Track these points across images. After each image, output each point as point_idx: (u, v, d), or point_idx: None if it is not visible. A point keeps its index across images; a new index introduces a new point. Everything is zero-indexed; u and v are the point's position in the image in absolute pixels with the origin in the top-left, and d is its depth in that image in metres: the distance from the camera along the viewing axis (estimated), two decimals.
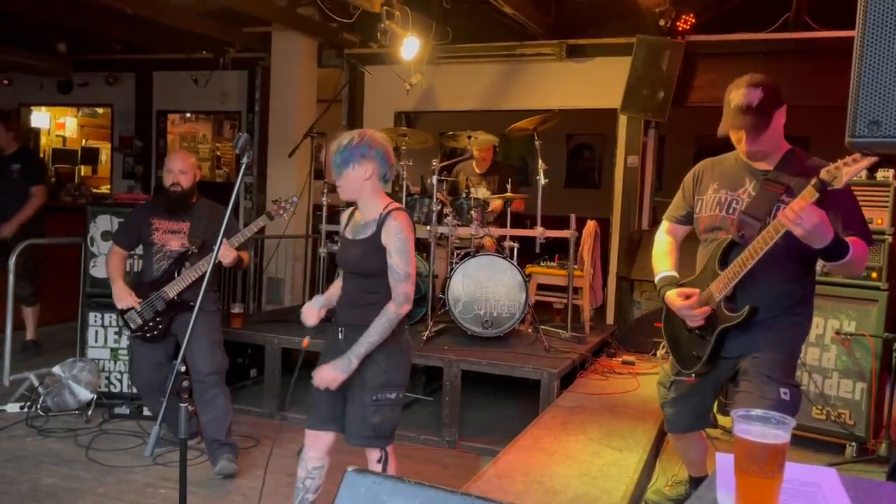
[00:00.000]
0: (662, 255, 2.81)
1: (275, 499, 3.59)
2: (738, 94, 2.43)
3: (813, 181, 2.16)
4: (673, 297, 2.64)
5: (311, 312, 2.81)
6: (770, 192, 2.47)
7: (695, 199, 2.72)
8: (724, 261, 2.52)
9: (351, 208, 2.90)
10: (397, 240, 2.63)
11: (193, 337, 3.64)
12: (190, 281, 3.85)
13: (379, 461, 2.69)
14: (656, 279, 2.79)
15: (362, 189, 2.70)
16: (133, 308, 3.91)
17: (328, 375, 2.64)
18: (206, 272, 3.72)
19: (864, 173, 3.88)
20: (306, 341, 2.88)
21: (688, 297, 2.59)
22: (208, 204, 4.08)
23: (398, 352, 2.73)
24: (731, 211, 2.56)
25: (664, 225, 2.89)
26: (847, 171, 2.10)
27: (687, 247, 2.85)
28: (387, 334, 2.64)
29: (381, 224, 2.67)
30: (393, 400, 2.70)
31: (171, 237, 3.98)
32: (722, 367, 2.63)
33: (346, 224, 2.86)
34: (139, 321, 3.91)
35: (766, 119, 2.42)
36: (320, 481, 2.85)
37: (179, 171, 3.96)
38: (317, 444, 2.81)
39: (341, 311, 2.81)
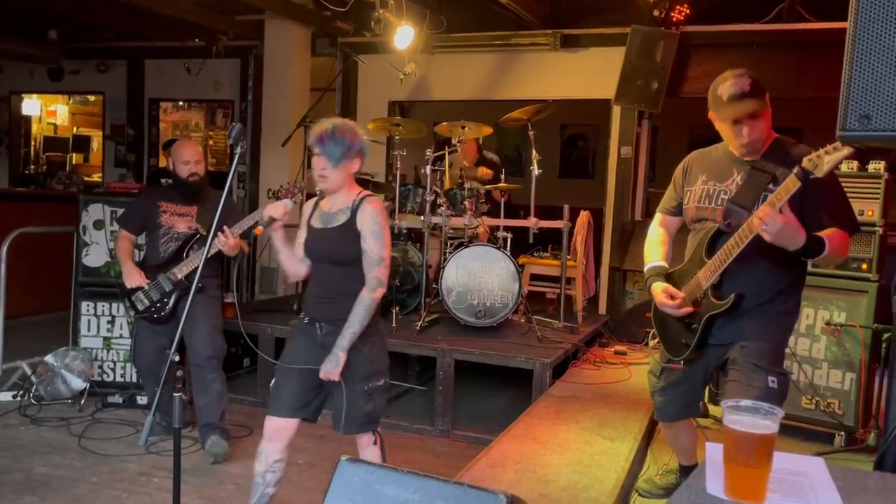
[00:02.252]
0: (653, 246, 2.84)
1: None
2: (727, 85, 2.44)
3: (795, 170, 2.19)
4: (658, 292, 2.66)
5: (278, 206, 2.73)
6: (757, 180, 2.48)
7: (684, 191, 2.74)
8: (711, 249, 2.54)
9: (315, 198, 2.86)
10: (372, 223, 2.65)
11: (194, 320, 3.74)
12: (199, 263, 3.79)
13: (375, 443, 2.77)
14: (645, 268, 2.82)
15: (347, 181, 2.70)
16: (141, 288, 3.93)
17: (327, 375, 2.65)
18: (213, 254, 3.76)
19: (855, 165, 3.95)
20: (259, 229, 2.86)
21: (672, 297, 2.61)
22: (215, 193, 4.11)
23: (379, 339, 2.80)
24: (719, 202, 2.57)
25: (657, 217, 2.91)
26: (828, 159, 2.11)
27: (680, 237, 2.86)
28: (367, 321, 2.65)
29: (355, 210, 2.68)
30: (381, 386, 2.78)
31: (179, 219, 4.02)
32: (710, 354, 2.66)
33: (311, 214, 2.81)
34: (146, 302, 3.94)
35: (762, 102, 2.43)
36: (280, 474, 2.82)
37: (195, 161, 4.02)
38: (279, 436, 2.77)
39: (316, 305, 2.77)
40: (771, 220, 2.18)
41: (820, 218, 2.31)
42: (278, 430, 2.77)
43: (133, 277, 3.93)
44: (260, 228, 2.80)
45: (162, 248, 4.00)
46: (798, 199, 2.28)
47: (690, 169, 2.74)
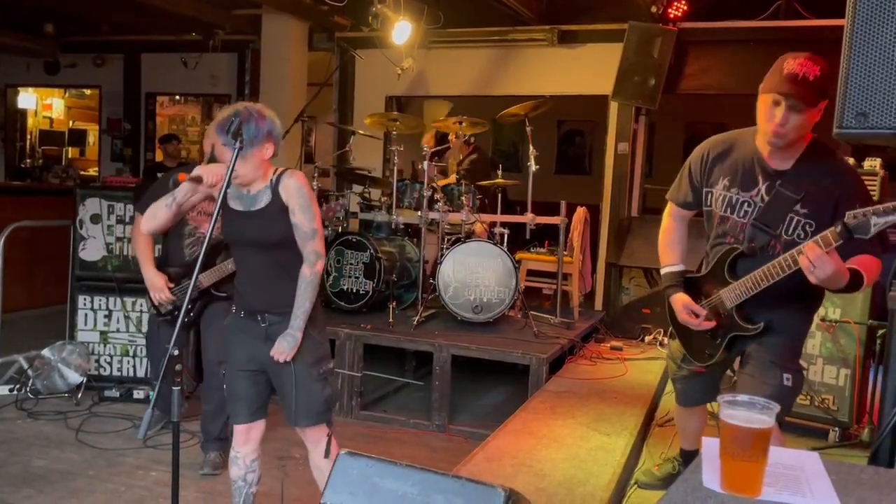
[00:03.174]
0: (668, 246, 2.74)
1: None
2: (796, 62, 2.23)
3: (838, 228, 2.04)
4: (679, 307, 2.61)
5: (216, 169, 2.52)
6: (784, 199, 2.36)
7: (703, 191, 2.59)
8: (733, 267, 2.49)
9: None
10: (299, 196, 2.51)
11: (213, 319, 3.62)
12: (228, 272, 3.56)
13: (329, 434, 2.70)
14: (662, 272, 2.74)
15: (261, 169, 2.53)
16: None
17: (281, 355, 2.54)
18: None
19: (851, 162, 3.96)
20: (183, 175, 2.56)
21: (694, 313, 2.57)
22: None
23: (323, 321, 2.71)
24: (741, 214, 2.47)
25: (669, 207, 2.78)
26: (877, 221, 1.96)
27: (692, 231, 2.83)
28: (314, 298, 2.56)
29: (275, 187, 2.54)
30: (332, 369, 2.79)
31: (207, 220, 3.69)
32: (733, 352, 2.65)
33: (224, 192, 2.48)
34: (170, 306, 3.70)
35: (813, 100, 2.23)
36: (260, 471, 2.82)
37: None
38: (250, 437, 2.74)
39: (251, 295, 2.62)
40: (821, 263, 2.07)
41: (851, 244, 2.15)
42: (249, 432, 2.74)
43: (157, 287, 3.63)
44: (184, 175, 2.52)
45: (187, 252, 3.72)
46: (830, 213, 2.23)
47: (711, 165, 2.55)
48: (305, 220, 2.52)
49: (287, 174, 2.56)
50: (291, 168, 2.61)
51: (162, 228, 2.58)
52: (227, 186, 2.39)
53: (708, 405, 3.03)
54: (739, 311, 2.50)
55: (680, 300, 2.62)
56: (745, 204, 2.46)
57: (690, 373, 2.83)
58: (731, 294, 2.49)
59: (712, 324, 2.55)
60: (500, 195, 5.67)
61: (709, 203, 2.58)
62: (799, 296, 2.46)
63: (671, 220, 2.77)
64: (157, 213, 2.59)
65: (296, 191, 2.52)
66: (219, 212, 2.41)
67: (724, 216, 2.52)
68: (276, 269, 2.57)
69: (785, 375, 2.42)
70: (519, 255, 5.70)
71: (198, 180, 2.46)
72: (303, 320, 2.54)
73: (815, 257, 2.07)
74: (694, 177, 2.62)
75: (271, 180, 2.56)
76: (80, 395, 4.55)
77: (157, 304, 3.70)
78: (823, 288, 2.49)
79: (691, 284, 2.67)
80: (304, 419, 2.63)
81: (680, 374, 2.88)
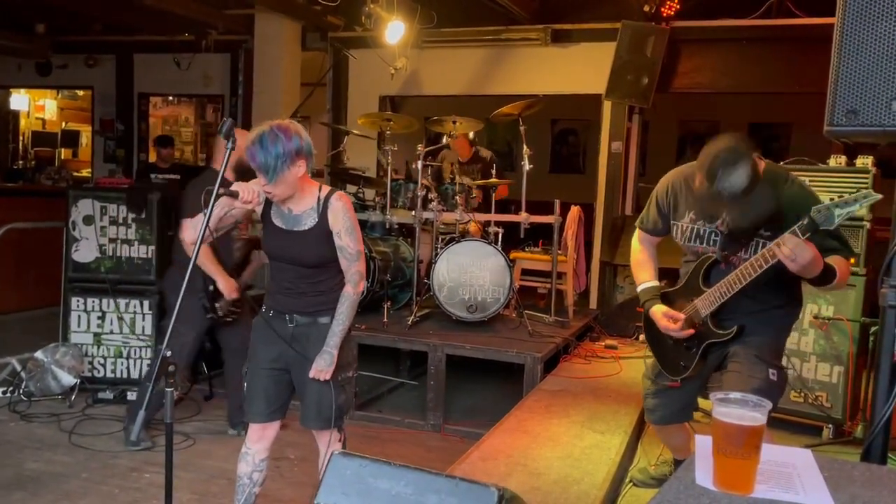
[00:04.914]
0: (641, 265, 2.84)
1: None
2: (723, 175, 2.25)
3: (805, 220, 2.16)
4: (659, 316, 2.65)
5: (252, 187, 2.49)
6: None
7: (671, 223, 2.69)
8: (707, 276, 2.55)
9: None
10: (345, 220, 2.59)
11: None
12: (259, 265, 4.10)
13: (340, 440, 2.74)
14: (638, 290, 2.81)
15: (295, 187, 2.53)
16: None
17: (320, 373, 2.61)
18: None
19: (843, 160, 3.98)
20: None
21: (673, 319, 2.60)
22: None
23: (349, 329, 2.74)
24: (711, 243, 2.55)
25: (637, 233, 2.88)
26: (840, 213, 2.09)
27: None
28: (353, 316, 2.66)
29: (323, 209, 2.58)
30: (350, 378, 2.79)
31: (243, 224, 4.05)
32: (708, 364, 2.67)
33: (269, 210, 2.63)
34: (232, 308, 3.93)
35: (753, 185, 2.26)
36: (266, 472, 2.86)
37: None
38: (264, 436, 2.78)
39: (284, 298, 2.69)
40: (800, 250, 2.16)
41: (821, 244, 2.27)
42: (263, 430, 2.79)
43: (233, 289, 3.84)
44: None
45: (237, 255, 4.02)
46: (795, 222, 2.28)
47: (676, 200, 2.66)
48: (351, 242, 2.60)
49: (334, 197, 2.60)
50: (336, 190, 2.65)
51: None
52: (222, 178, 2.41)
53: (700, 404, 3.03)
54: (713, 319, 2.54)
55: (659, 310, 2.67)
56: (713, 234, 2.55)
57: (664, 388, 2.83)
58: (705, 302, 2.53)
59: (691, 331, 2.58)
60: (493, 195, 5.67)
61: (676, 235, 2.68)
62: (773, 304, 2.54)
63: (640, 244, 2.87)
64: (198, 224, 2.60)
65: (342, 215, 2.58)
66: (214, 201, 2.39)
67: (693, 246, 2.61)
68: (309, 283, 2.65)
69: (771, 371, 2.47)
70: (513, 255, 5.71)
71: (234, 195, 2.44)
72: (340, 338, 2.64)
73: (794, 245, 2.18)
74: (661, 207, 2.73)
75: (319, 201, 2.59)
76: (73, 397, 4.53)
77: (217, 304, 3.86)
78: (800, 289, 2.62)
79: (667, 299, 2.72)
80: (315, 422, 2.70)
81: (652, 388, 2.88)
